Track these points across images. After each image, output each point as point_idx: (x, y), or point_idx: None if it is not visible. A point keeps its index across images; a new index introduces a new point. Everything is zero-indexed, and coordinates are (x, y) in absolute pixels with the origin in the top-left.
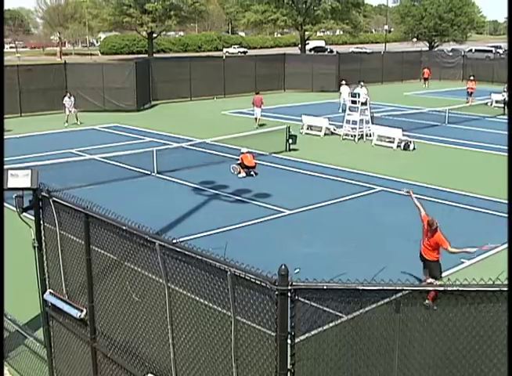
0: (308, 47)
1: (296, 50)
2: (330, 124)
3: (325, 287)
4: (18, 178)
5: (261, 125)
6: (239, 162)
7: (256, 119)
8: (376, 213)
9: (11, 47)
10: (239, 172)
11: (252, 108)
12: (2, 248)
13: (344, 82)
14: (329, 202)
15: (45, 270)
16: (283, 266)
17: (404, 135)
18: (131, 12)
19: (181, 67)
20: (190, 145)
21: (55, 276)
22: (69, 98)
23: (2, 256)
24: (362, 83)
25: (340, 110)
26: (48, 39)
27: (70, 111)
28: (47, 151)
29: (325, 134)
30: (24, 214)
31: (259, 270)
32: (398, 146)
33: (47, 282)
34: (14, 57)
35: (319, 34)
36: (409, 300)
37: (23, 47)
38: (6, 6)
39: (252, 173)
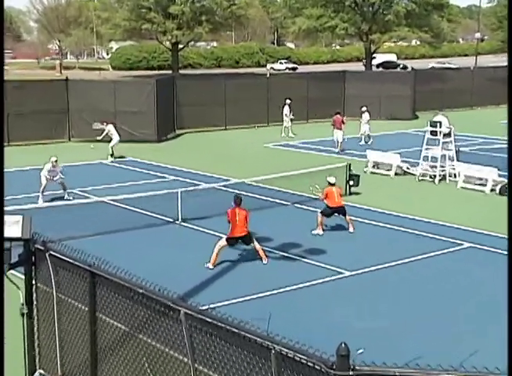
0: (374, 62)
1: (359, 66)
2: (403, 161)
3: (397, 374)
4: (6, 227)
5: (343, 151)
6: (323, 197)
7: (337, 143)
8: (462, 277)
9: None
10: (317, 228)
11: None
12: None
13: (364, 109)
14: (400, 262)
15: (36, 344)
16: (343, 345)
17: (500, 175)
18: (152, 16)
19: (213, 87)
20: (224, 186)
21: (48, 351)
22: (106, 125)
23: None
24: (442, 113)
25: (362, 142)
26: (44, 48)
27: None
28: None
29: (396, 173)
30: (11, 271)
31: (311, 349)
32: (492, 190)
33: (37, 360)
34: None
35: (388, 44)
36: None
37: (12, 58)
38: None
39: (351, 230)
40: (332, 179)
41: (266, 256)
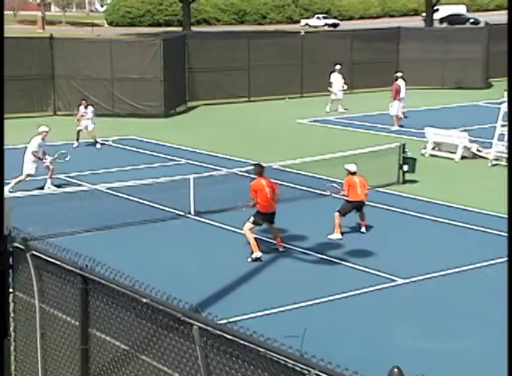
0: (437, 16)
1: (418, 21)
2: (471, 141)
3: None
4: None
5: (401, 127)
6: (339, 192)
7: (393, 118)
8: None
9: None
10: (335, 232)
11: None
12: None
13: (399, 74)
14: (467, 267)
15: (13, 367)
16: (396, 370)
17: None
18: None
19: (235, 48)
20: (247, 172)
21: (28, 375)
22: (85, 108)
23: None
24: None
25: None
26: None
27: (85, 127)
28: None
29: (462, 157)
30: None
31: (356, 374)
32: None
33: None
34: None
35: None
36: None
37: None
38: None
39: (363, 230)
40: (352, 167)
41: (282, 243)
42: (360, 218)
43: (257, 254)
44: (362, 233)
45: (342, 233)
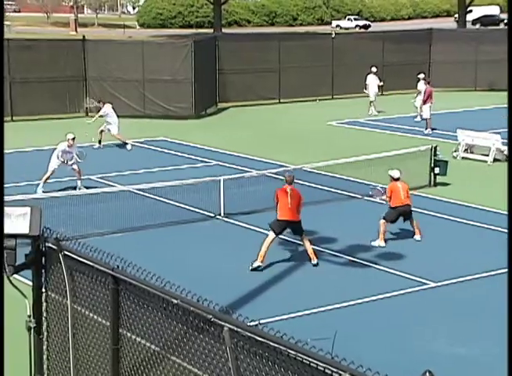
0: (470, 17)
1: (450, 22)
2: (504, 143)
3: None
4: (10, 220)
5: (433, 130)
6: (382, 196)
7: (426, 121)
8: None
9: None
10: (379, 238)
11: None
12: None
13: (421, 76)
14: (501, 270)
15: (45, 366)
16: (428, 374)
17: None
18: None
19: (265, 50)
20: (277, 173)
21: (60, 374)
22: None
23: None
24: None
25: (418, 119)
26: (56, 0)
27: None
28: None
29: (495, 159)
30: (16, 276)
31: None
32: None
33: None
34: None
35: None
36: None
37: (15, 11)
38: None
39: (418, 237)
40: (395, 173)
41: (316, 255)
42: (412, 226)
43: (258, 263)
44: (418, 241)
45: (385, 241)
